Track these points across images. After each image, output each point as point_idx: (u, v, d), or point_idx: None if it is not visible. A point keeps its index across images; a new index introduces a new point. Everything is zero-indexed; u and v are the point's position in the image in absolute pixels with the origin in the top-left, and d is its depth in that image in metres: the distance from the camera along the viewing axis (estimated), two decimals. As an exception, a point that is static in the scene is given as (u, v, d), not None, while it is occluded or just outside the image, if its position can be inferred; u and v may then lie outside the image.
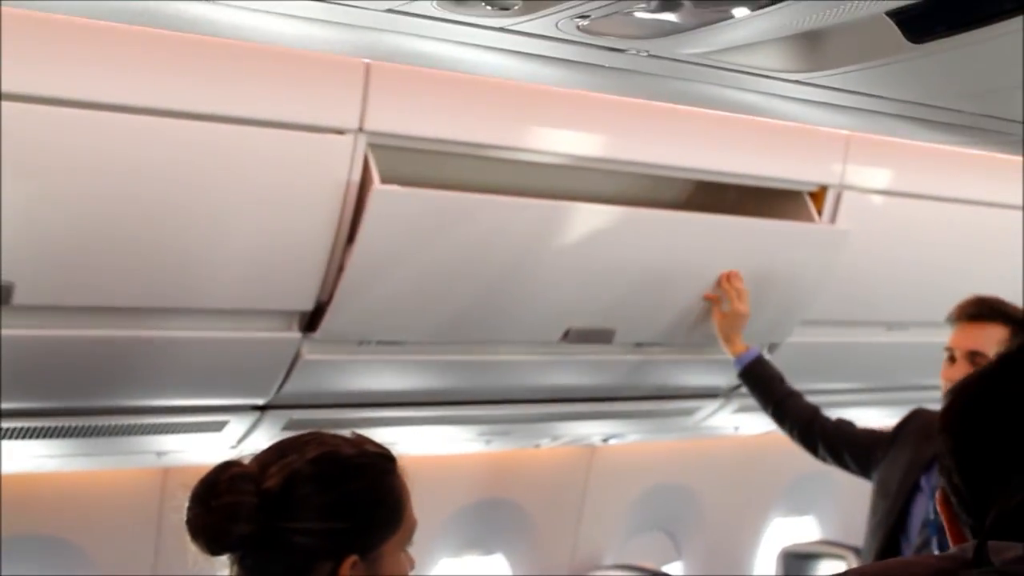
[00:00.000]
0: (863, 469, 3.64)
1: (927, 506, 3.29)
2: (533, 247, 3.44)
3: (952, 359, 3.39)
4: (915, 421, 3.58)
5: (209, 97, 2.82)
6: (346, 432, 1.88)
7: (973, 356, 3.31)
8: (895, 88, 3.08)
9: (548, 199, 3.44)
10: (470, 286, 3.41)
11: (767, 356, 4.15)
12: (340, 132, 3.01)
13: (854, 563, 5.11)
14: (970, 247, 4.63)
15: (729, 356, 3.99)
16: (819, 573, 5.42)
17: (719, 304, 3.90)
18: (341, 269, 3.12)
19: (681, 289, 3.88)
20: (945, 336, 4.80)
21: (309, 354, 3.32)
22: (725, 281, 3.84)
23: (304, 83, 2.95)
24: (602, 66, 2.81)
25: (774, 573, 5.55)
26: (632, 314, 3.84)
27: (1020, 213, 4.64)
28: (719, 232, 3.85)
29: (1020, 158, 4.36)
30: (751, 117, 3.67)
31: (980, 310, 3.40)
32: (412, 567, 1.88)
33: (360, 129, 3.02)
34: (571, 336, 3.72)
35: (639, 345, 4.02)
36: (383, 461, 1.85)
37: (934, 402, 5.33)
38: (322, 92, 2.98)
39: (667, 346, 4.09)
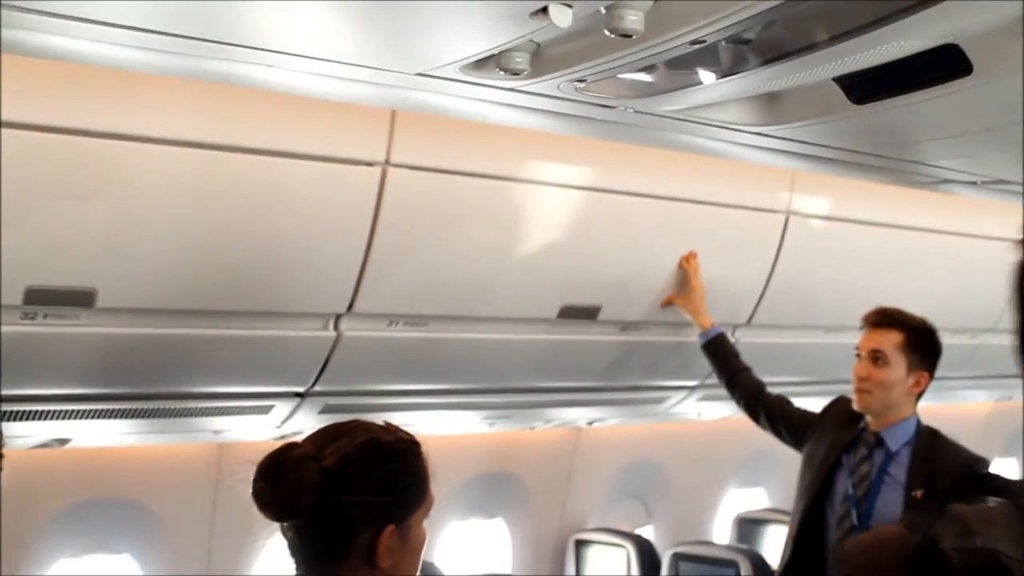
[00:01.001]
0: (796, 442, 3.69)
1: (847, 482, 3.33)
2: (531, 226, 3.46)
3: (858, 357, 3.44)
4: (837, 406, 3.62)
5: (263, 136, 2.85)
6: (380, 421, 1.91)
7: (874, 353, 3.38)
8: (837, 139, 3.13)
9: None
10: (480, 263, 3.43)
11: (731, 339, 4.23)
12: (370, 164, 3.04)
13: (797, 528, 5.14)
14: (894, 264, 4.68)
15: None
16: (766, 535, 5.43)
17: (674, 300, 3.96)
18: (368, 250, 3.13)
19: (659, 269, 3.92)
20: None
21: (348, 331, 3.31)
22: (684, 261, 3.89)
23: (341, 125, 2.98)
24: (595, 119, 2.84)
25: (729, 535, 5.57)
26: (616, 293, 3.85)
27: (935, 236, 4.70)
28: (693, 217, 3.88)
29: (936, 193, 4.42)
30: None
31: (881, 319, 3.45)
32: (425, 539, 1.92)
33: (387, 162, 3.06)
34: (564, 313, 3.73)
35: (624, 329, 4.02)
36: (413, 446, 1.89)
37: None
38: (355, 132, 3.01)
39: (648, 327, 4.09)
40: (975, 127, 3.03)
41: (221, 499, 4.00)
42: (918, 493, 3.23)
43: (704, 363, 4.28)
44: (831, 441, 3.46)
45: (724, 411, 5.14)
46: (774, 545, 5.31)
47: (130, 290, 2.87)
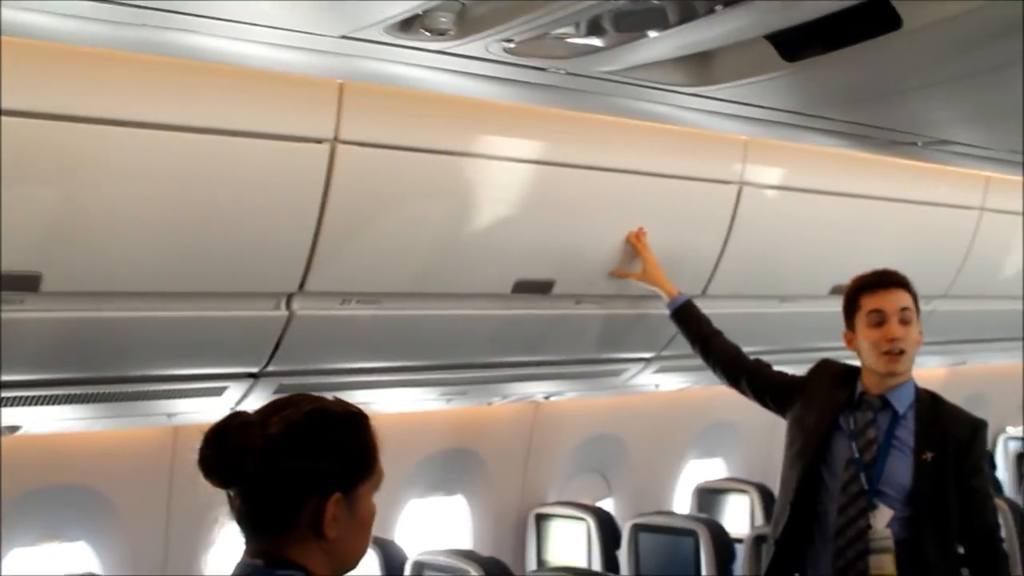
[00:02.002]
0: (780, 408, 3.61)
1: (849, 445, 3.27)
2: (483, 201, 3.44)
3: (880, 322, 3.30)
4: (825, 368, 3.54)
5: (209, 114, 2.81)
6: (329, 396, 1.90)
7: (903, 311, 3.30)
8: (777, 99, 3.11)
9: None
10: (432, 239, 3.40)
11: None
12: (319, 141, 3.00)
13: (756, 496, 5.17)
14: (847, 232, 4.70)
15: (656, 312, 4.04)
16: (727, 504, 5.45)
17: (633, 277, 3.95)
18: (319, 228, 3.10)
19: (612, 242, 3.90)
20: (826, 306, 4.87)
21: (301, 310, 3.28)
22: (632, 238, 3.88)
23: (288, 102, 2.94)
24: (530, 83, 2.80)
25: (690, 505, 5.60)
26: (570, 266, 3.83)
27: (888, 204, 4.73)
28: (646, 189, 3.85)
29: (888, 161, 4.43)
30: (667, 124, 3.72)
31: (894, 278, 3.38)
32: (375, 513, 1.90)
33: (335, 139, 3.02)
34: (518, 288, 3.71)
35: (579, 302, 4.01)
36: (361, 417, 1.87)
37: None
38: (303, 109, 2.97)
39: (603, 300, 4.08)
40: (907, 84, 3.02)
41: (177, 483, 3.97)
42: (928, 456, 3.21)
43: (661, 334, 4.30)
44: (823, 404, 3.39)
45: (682, 382, 5.17)
46: (734, 514, 5.35)
47: (76, 273, 2.83)
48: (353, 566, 1.87)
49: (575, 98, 3.01)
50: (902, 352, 3.28)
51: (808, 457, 3.34)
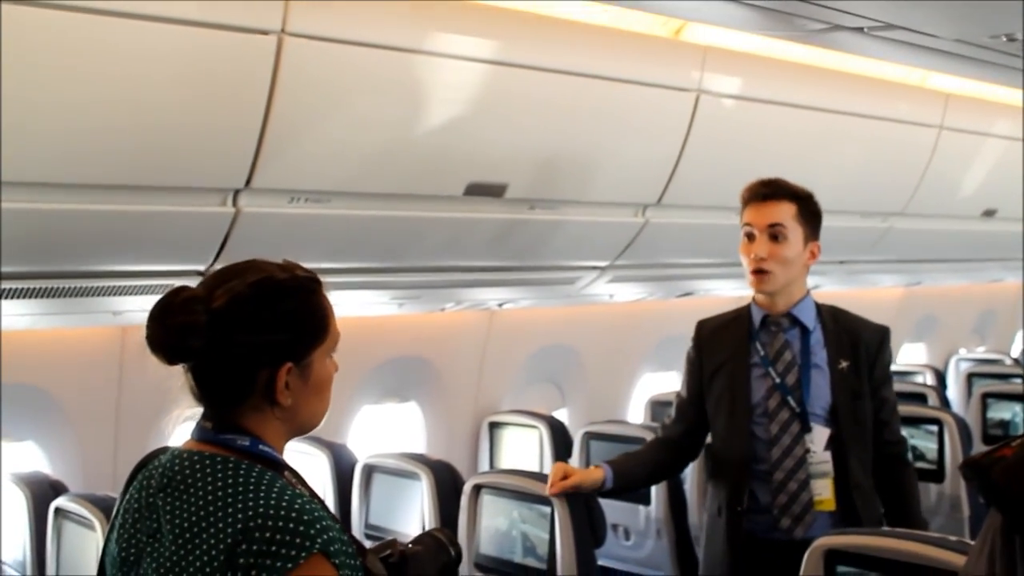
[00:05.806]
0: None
1: (766, 372, 3.07)
2: (435, 100, 3.37)
3: (751, 236, 3.11)
4: (703, 327, 3.25)
5: (156, 4, 2.71)
6: (279, 260, 1.86)
7: (773, 228, 3.07)
8: None
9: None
10: (382, 137, 3.33)
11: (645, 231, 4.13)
12: (265, 33, 2.92)
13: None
14: (805, 145, 4.69)
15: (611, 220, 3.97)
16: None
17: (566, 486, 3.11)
18: (265, 123, 3.03)
19: (567, 146, 3.82)
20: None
21: (248, 207, 3.22)
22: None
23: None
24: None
25: (643, 417, 5.63)
26: (524, 170, 3.77)
27: (847, 118, 4.71)
28: (602, 93, 3.75)
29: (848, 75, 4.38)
30: (625, 31, 3.66)
31: (772, 190, 3.15)
32: (336, 370, 1.87)
33: (283, 31, 2.93)
34: (470, 190, 3.65)
35: (532, 207, 3.96)
36: (310, 283, 1.83)
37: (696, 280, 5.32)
38: (249, -1, 2.89)
39: (556, 205, 4.02)
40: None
41: (127, 383, 3.94)
42: (844, 365, 3.06)
43: (615, 242, 4.28)
44: (728, 350, 3.15)
45: (636, 293, 5.17)
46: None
47: (16, 164, 2.74)
48: (313, 427, 1.88)
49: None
50: (772, 271, 3.07)
51: (740, 411, 3.09)
